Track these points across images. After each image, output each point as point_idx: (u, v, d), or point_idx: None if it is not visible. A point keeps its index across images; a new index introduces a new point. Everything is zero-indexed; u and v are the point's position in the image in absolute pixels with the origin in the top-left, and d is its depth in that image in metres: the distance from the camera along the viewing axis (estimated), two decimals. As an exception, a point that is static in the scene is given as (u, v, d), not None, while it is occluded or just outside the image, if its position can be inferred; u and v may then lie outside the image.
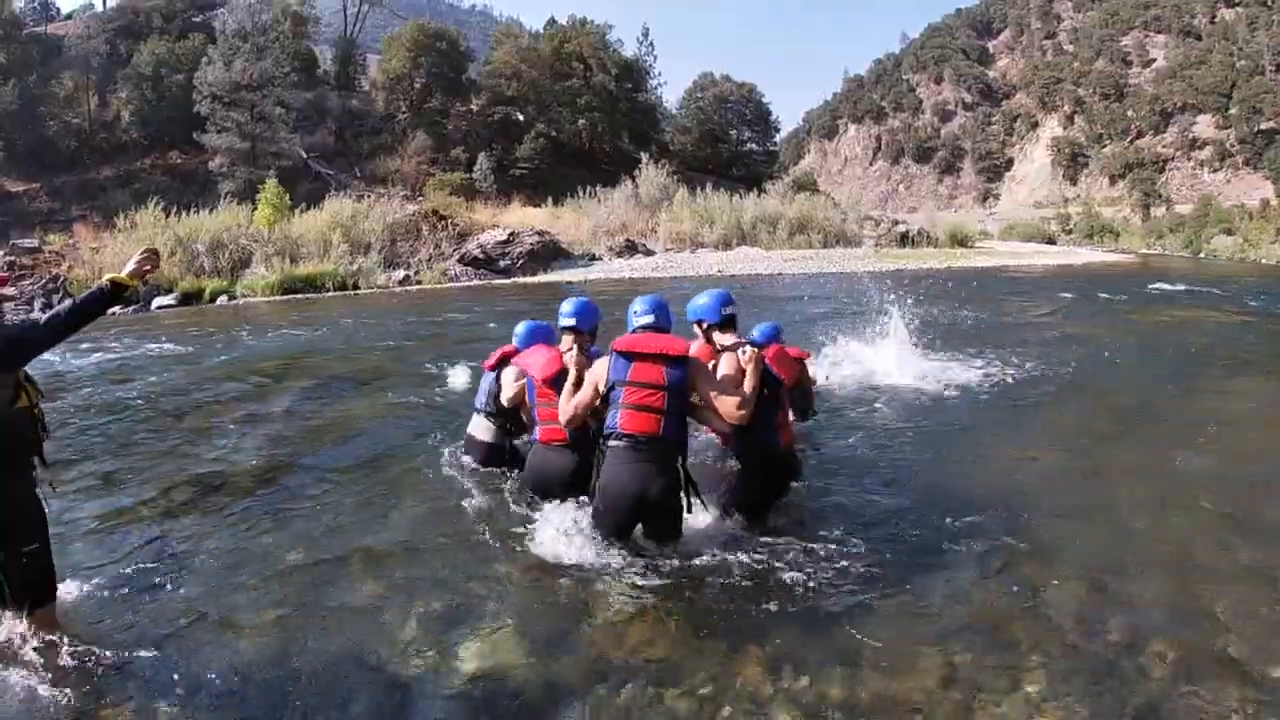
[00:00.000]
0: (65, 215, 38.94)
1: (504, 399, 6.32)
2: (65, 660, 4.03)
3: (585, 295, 5.79)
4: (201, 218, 31.16)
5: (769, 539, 5.19)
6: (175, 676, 4.01)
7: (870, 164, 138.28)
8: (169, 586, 4.96)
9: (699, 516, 5.25)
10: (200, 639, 4.36)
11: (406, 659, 4.13)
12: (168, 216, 30.79)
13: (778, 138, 66.62)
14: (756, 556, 4.97)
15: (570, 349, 5.54)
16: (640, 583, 4.72)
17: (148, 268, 4.31)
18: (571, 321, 5.65)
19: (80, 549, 5.55)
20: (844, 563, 4.95)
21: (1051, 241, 58.79)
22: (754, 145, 58.23)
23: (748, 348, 5.17)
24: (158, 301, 26.82)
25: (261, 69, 42.06)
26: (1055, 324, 16.20)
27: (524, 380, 6.03)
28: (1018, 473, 6.89)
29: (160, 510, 6.40)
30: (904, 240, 39.02)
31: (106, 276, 4.15)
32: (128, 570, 5.19)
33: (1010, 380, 10.36)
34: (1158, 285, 25.76)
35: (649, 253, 34.44)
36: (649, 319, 5.24)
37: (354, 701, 3.82)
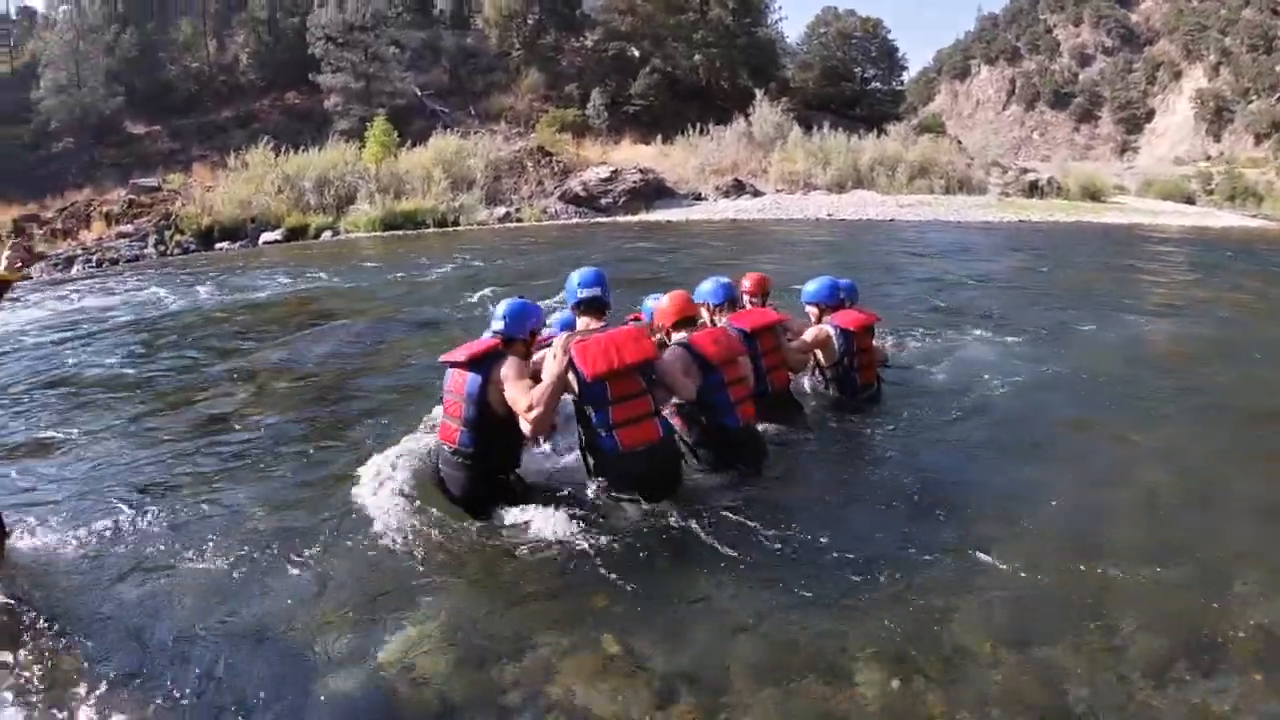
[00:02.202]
0: (186, 155, 39.88)
1: None
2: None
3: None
4: (310, 155, 31.67)
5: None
6: (100, 622, 4.03)
7: (1003, 108, 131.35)
8: (131, 520, 5.06)
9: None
10: (138, 576, 4.43)
11: (323, 631, 3.87)
12: (278, 155, 31.35)
13: (904, 76, 63.46)
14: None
15: None
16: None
17: (19, 264, 4.48)
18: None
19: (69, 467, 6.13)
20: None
21: (1190, 201, 53.59)
22: (878, 84, 55.45)
23: (557, 340, 4.83)
24: (265, 237, 27.40)
25: (374, 9, 42.04)
26: (1185, 294, 13.38)
27: None
28: (1077, 502, 5.10)
29: (158, 439, 6.77)
30: (1032, 190, 36.46)
31: None
32: (101, 495, 5.51)
33: (1123, 363, 8.30)
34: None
35: (757, 193, 33.12)
36: (498, 324, 4.95)
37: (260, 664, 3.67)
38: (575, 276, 5.12)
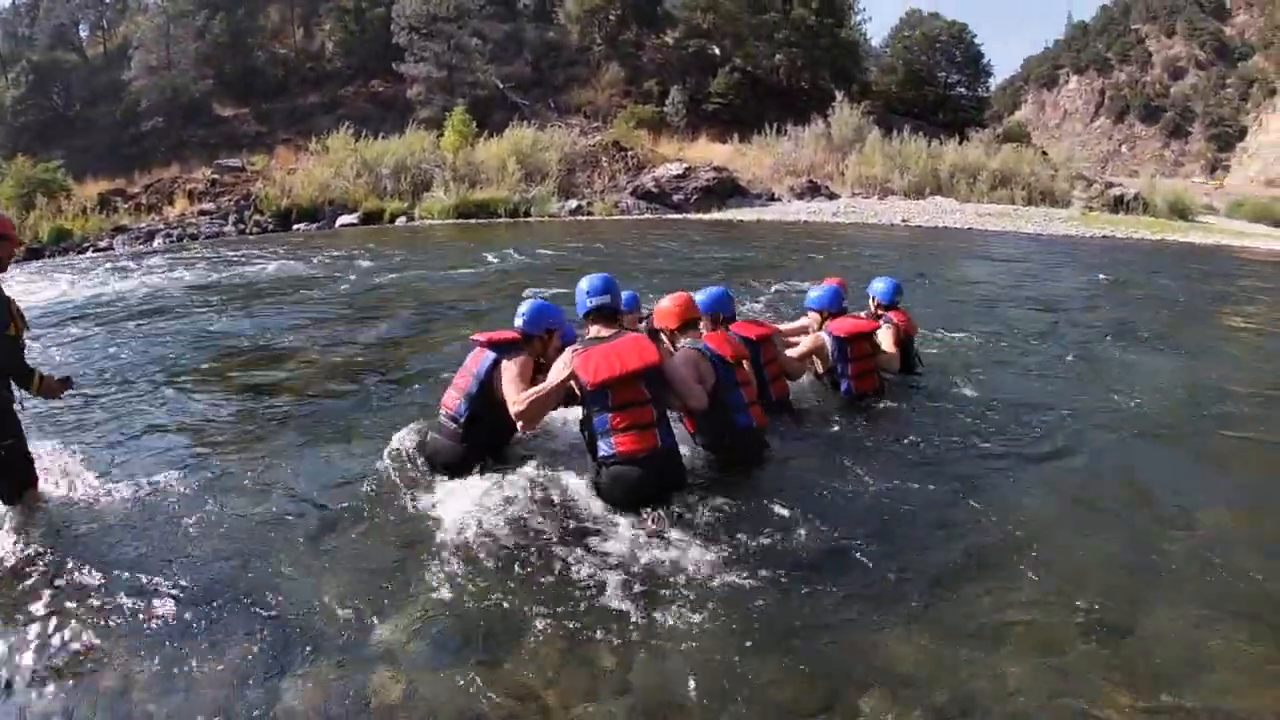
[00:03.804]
0: (272, 139, 40.73)
1: None
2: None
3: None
4: (389, 142, 32.18)
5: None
6: (106, 570, 4.36)
7: (1092, 120, 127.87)
8: (158, 481, 5.42)
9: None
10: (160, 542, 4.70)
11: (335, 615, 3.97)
12: (358, 140, 31.93)
13: (990, 83, 62.18)
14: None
15: None
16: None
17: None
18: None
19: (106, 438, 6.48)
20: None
21: (1280, 225, 50.76)
22: (963, 89, 54.43)
23: (564, 353, 5.02)
24: (341, 220, 27.90)
25: (457, 1, 42.42)
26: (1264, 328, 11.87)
27: None
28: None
29: (203, 406, 7.30)
30: (1117, 205, 35.10)
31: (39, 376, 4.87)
32: (136, 454, 6.06)
33: (1182, 395, 7.51)
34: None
35: (832, 196, 32.66)
36: (518, 321, 5.41)
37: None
38: (584, 284, 5.25)
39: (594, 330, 5.14)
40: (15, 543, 4.57)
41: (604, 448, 4.78)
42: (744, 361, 5.63)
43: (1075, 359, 8.74)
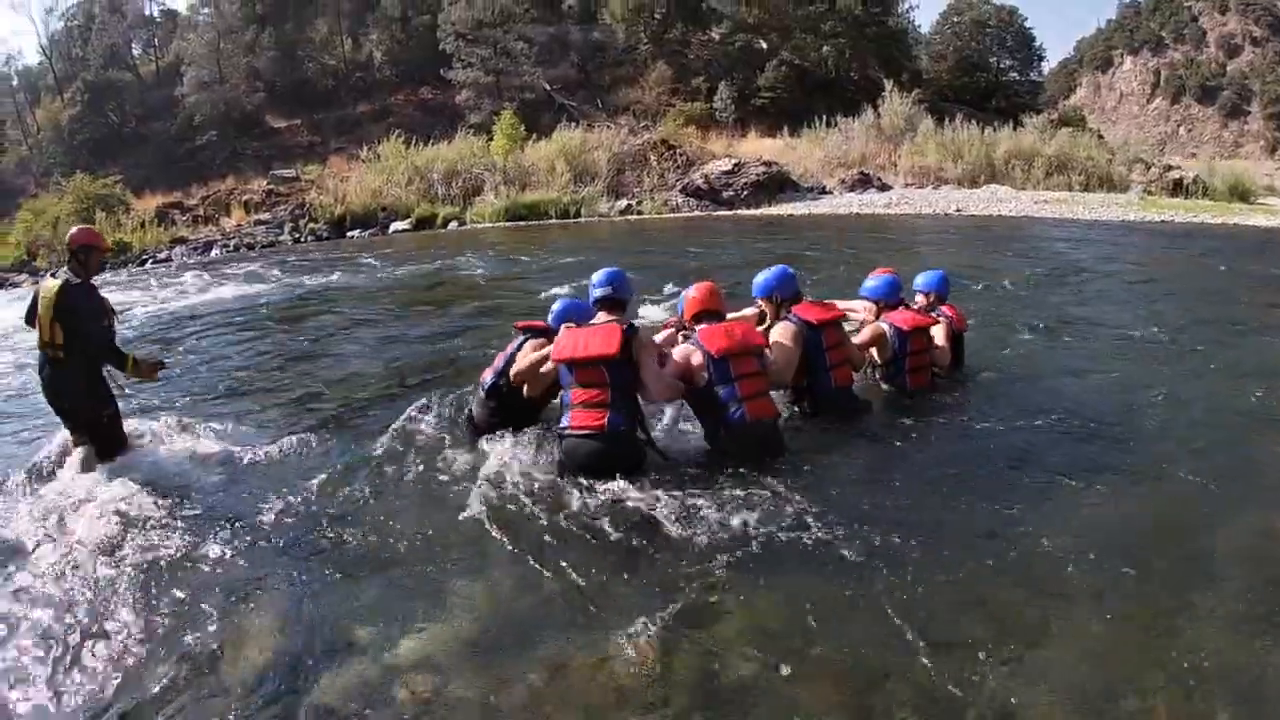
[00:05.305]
0: (325, 148, 41.29)
1: None
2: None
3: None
4: (439, 148, 32.38)
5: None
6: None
7: (1148, 101, 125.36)
8: (218, 471, 5.93)
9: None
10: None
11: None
12: (408, 147, 32.13)
13: (1043, 67, 61.19)
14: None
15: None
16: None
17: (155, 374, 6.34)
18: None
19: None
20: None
21: (1347, 204, 49.23)
22: (1015, 74, 53.63)
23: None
24: (394, 226, 28.24)
25: (502, 5, 42.81)
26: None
27: None
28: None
29: (257, 405, 7.68)
30: (1176, 188, 34.29)
31: (132, 359, 5.99)
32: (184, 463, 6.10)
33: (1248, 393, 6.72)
34: None
35: (884, 187, 32.07)
36: (550, 315, 6.23)
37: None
38: (594, 276, 5.73)
39: (600, 318, 5.56)
40: (102, 490, 5.37)
41: (562, 420, 5.32)
42: (756, 353, 5.68)
43: (1141, 351, 8.40)
